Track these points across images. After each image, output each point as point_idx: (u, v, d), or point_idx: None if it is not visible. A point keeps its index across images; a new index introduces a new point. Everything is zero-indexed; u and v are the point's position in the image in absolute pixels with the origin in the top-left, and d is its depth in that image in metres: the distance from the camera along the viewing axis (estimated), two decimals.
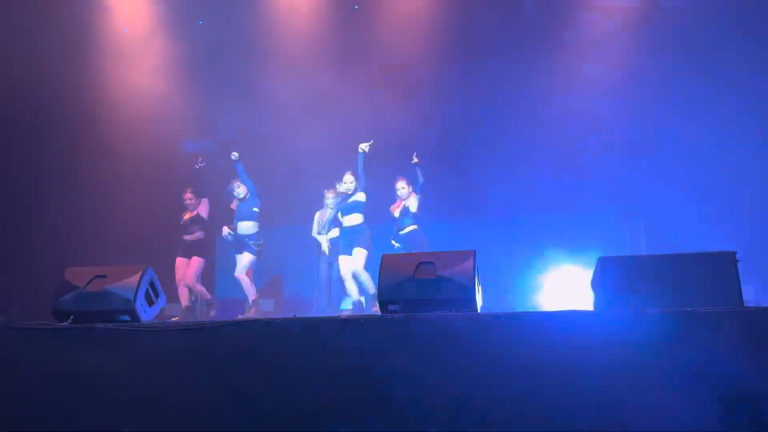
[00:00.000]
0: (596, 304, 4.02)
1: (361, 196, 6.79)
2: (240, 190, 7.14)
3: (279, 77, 8.34)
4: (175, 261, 7.32)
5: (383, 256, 4.13)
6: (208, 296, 7.38)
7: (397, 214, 6.85)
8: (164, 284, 4.46)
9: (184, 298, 7.29)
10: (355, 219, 6.77)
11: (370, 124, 7.79)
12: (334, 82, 8.30)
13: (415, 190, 6.78)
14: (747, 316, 3.20)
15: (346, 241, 6.81)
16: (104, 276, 4.11)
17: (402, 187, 6.82)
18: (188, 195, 7.34)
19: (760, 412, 3.00)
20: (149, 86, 8.72)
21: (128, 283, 4.05)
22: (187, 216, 7.35)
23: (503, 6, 8.45)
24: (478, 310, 3.78)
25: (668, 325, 3.20)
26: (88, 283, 4.08)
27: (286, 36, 8.59)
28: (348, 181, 6.76)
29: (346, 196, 6.85)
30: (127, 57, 8.77)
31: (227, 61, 8.81)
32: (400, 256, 4.12)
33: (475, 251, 4.01)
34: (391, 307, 3.78)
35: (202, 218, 7.36)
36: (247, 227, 7.13)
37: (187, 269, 7.19)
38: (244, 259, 7.08)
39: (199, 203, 7.36)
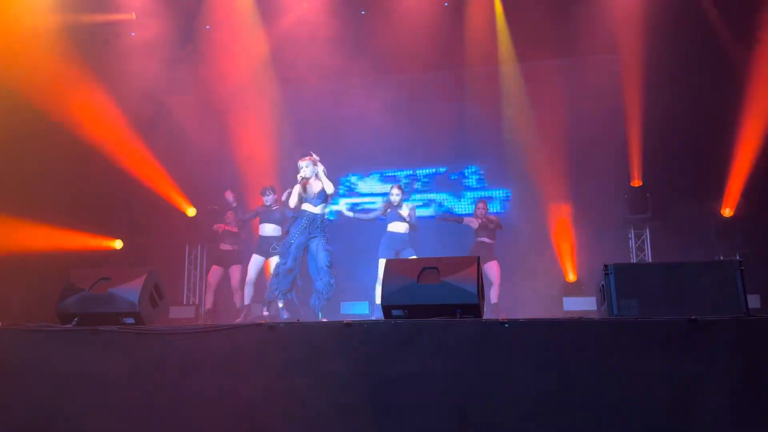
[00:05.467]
0: (601, 310, 4.00)
1: (405, 208, 6.78)
2: (269, 198, 7.24)
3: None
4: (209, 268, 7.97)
5: (387, 261, 4.12)
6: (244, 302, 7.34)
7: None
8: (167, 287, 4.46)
9: (209, 301, 7.89)
10: (399, 227, 6.75)
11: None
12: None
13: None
14: (751, 325, 3.18)
15: (389, 246, 6.72)
16: (109, 278, 4.11)
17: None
18: (230, 213, 7.96)
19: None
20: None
21: (133, 285, 4.05)
22: (222, 228, 7.93)
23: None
24: (482, 316, 3.76)
25: (672, 333, 3.20)
26: (93, 285, 4.08)
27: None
28: (395, 193, 6.76)
29: (395, 206, 6.79)
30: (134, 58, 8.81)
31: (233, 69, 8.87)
32: (404, 261, 4.09)
33: (479, 257, 4.00)
34: (394, 312, 3.77)
35: (235, 232, 7.98)
36: (271, 230, 7.20)
37: (232, 279, 7.79)
38: (271, 263, 6.91)
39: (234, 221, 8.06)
